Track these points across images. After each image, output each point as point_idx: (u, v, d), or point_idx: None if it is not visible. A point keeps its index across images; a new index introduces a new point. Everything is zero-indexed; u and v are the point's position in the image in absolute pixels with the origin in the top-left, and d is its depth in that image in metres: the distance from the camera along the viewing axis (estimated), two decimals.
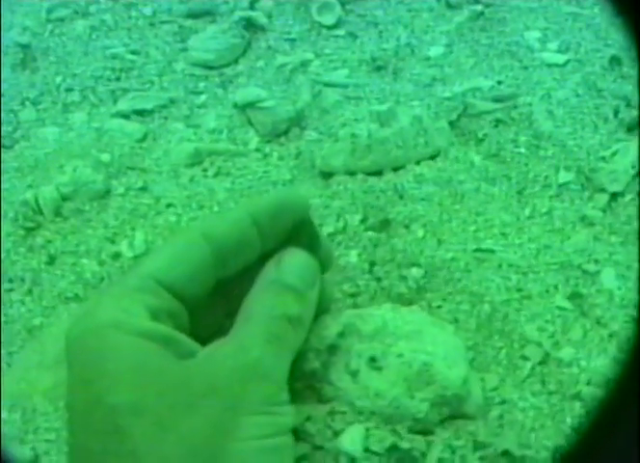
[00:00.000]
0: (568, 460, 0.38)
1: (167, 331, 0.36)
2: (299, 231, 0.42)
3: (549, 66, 0.77)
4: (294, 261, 0.41)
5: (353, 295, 0.56)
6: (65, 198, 0.64)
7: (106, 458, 0.33)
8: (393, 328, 0.47)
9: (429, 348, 0.46)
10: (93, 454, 0.33)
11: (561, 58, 0.77)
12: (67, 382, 0.35)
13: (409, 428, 0.44)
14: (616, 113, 0.69)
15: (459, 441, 0.45)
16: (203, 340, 0.38)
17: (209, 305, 0.41)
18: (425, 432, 0.45)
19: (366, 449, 0.43)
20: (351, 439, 0.43)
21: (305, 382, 0.45)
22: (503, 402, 0.48)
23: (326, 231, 0.60)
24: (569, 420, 0.48)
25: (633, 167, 0.62)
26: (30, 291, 0.60)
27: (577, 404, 0.49)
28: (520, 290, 0.56)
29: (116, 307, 0.36)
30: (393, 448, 0.43)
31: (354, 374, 0.45)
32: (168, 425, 0.33)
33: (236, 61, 0.82)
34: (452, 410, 0.46)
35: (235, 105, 0.73)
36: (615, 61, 0.76)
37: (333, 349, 0.46)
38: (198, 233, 0.39)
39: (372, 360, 0.45)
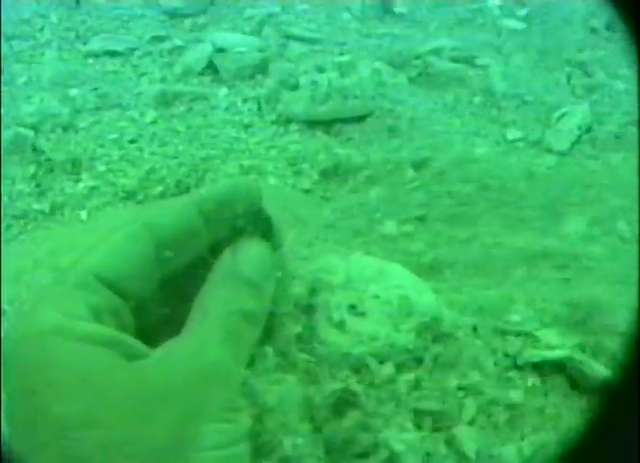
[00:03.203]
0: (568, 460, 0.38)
1: (111, 332, 0.33)
2: (252, 221, 0.41)
3: (510, 31, 0.80)
4: (250, 253, 0.38)
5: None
6: None
7: None
8: (358, 274, 0.47)
9: (397, 282, 0.47)
10: None
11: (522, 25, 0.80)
12: (5, 392, 0.33)
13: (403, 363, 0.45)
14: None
15: None
16: (150, 339, 0.35)
17: (157, 301, 0.39)
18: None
19: None
20: None
21: (292, 348, 0.44)
22: None
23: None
24: None
25: (579, 128, 0.66)
26: None
27: None
28: None
29: (56, 309, 0.33)
30: None
31: (340, 326, 0.44)
32: (122, 437, 0.31)
33: (205, 11, 0.83)
34: (434, 334, 0.47)
35: (204, 50, 0.74)
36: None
37: (310, 309, 0.45)
38: (139, 225, 0.36)
39: (352, 307, 0.45)
